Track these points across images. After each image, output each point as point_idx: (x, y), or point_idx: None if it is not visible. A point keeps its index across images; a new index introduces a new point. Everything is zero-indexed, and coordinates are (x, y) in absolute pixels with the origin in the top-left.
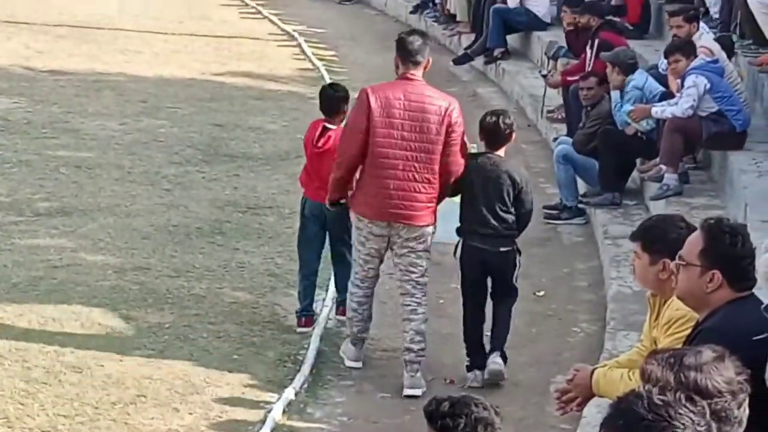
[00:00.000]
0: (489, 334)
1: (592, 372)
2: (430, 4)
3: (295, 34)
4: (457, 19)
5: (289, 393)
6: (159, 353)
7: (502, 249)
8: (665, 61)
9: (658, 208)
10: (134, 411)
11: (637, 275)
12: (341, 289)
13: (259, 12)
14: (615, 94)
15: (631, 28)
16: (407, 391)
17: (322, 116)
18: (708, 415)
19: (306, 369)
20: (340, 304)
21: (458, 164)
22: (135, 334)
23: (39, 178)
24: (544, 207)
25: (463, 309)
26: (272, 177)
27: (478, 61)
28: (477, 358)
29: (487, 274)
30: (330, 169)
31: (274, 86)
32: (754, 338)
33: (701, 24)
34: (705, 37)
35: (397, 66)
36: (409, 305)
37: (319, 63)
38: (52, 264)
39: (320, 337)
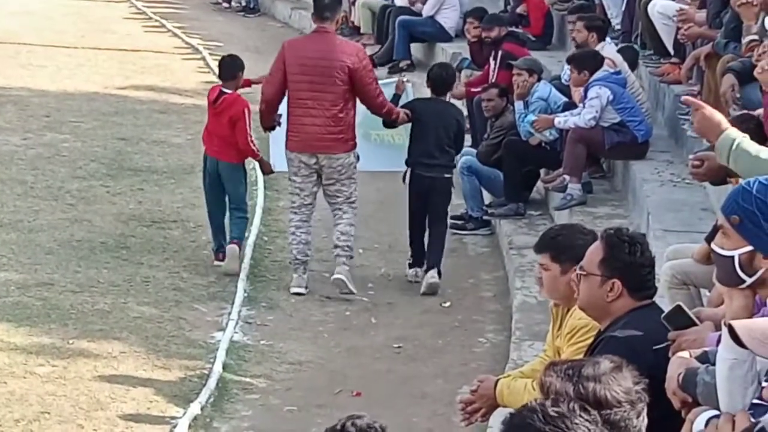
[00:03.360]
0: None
1: (496, 382)
2: None
3: (200, 48)
4: (362, 31)
5: (194, 408)
6: (63, 369)
7: (446, 175)
8: (568, 71)
9: (562, 218)
10: (38, 428)
11: (545, 287)
12: (238, 230)
13: (163, 26)
14: (519, 105)
15: (533, 39)
16: (335, 276)
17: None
18: (600, 424)
19: (212, 383)
20: (234, 239)
21: (375, 98)
22: (38, 350)
23: None
24: (450, 218)
25: (410, 223)
26: (177, 191)
27: (382, 72)
28: (418, 259)
29: (428, 198)
30: (225, 128)
31: (178, 99)
32: (655, 347)
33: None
34: (608, 48)
35: (313, 21)
36: (337, 214)
37: None
38: None
39: (226, 350)
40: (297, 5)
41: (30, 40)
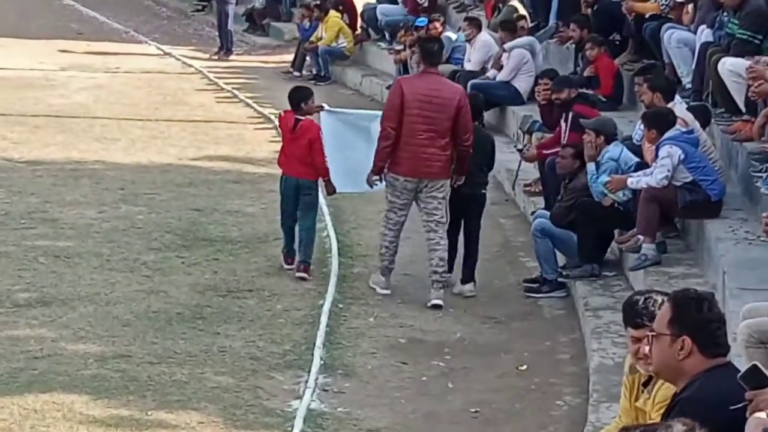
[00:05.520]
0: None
1: None
2: None
3: (272, 117)
4: None
5: None
6: None
7: (482, 191)
8: (640, 131)
9: (637, 278)
10: None
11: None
12: (305, 253)
13: (235, 96)
14: (590, 166)
15: (604, 100)
16: (433, 302)
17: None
18: None
19: None
20: (302, 263)
21: (468, 132)
22: (117, 422)
23: (18, 269)
24: (524, 281)
25: (449, 236)
26: (251, 260)
27: None
28: (451, 264)
29: (467, 212)
30: (303, 150)
31: (251, 169)
32: (732, 407)
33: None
34: (678, 107)
35: (418, 63)
36: (433, 239)
37: None
38: (33, 355)
39: (303, 419)
40: (367, 72)
41: (103, 113)
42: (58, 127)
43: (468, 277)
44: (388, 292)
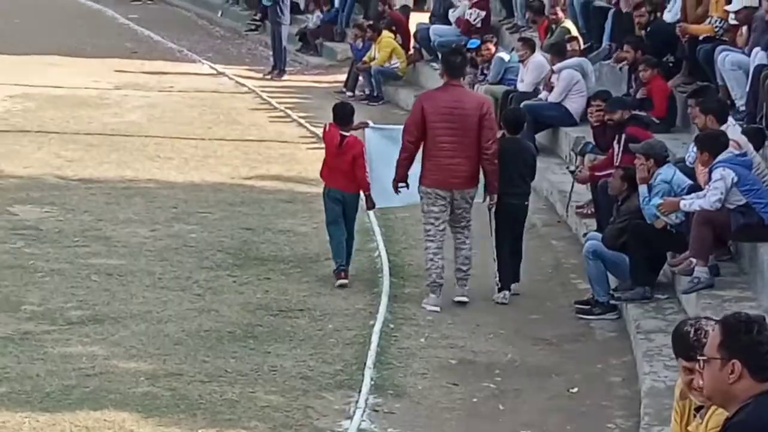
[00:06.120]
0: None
1: None
2: None
3: None
4: None
5: None
6: None
7: (525, 202)
8: (693, 154)
9: (690, 301)
10: None
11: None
12: (348, 258)
13: (288, 115)
14: (642, 188)
15: (657, 121)
16: (456, 298)
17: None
18: None
19: None
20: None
21: (492, 141)
22: None
23: (71, 287)
24: (576, 303)
25: (498, 249)
26: (303, 279)
27: None
28: (507, 283)
29: (513, 221)
30: (347, 165)
31: (303, 189)
32: None
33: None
34: (732, 130)
35: (442, 76)
36: (459, 239)
37: None
38: (85, 372)
39: None
40: (420, 92)
41: (156, 132)
42: (112, 146)
43: (516, 278)
44: (438, 309)
